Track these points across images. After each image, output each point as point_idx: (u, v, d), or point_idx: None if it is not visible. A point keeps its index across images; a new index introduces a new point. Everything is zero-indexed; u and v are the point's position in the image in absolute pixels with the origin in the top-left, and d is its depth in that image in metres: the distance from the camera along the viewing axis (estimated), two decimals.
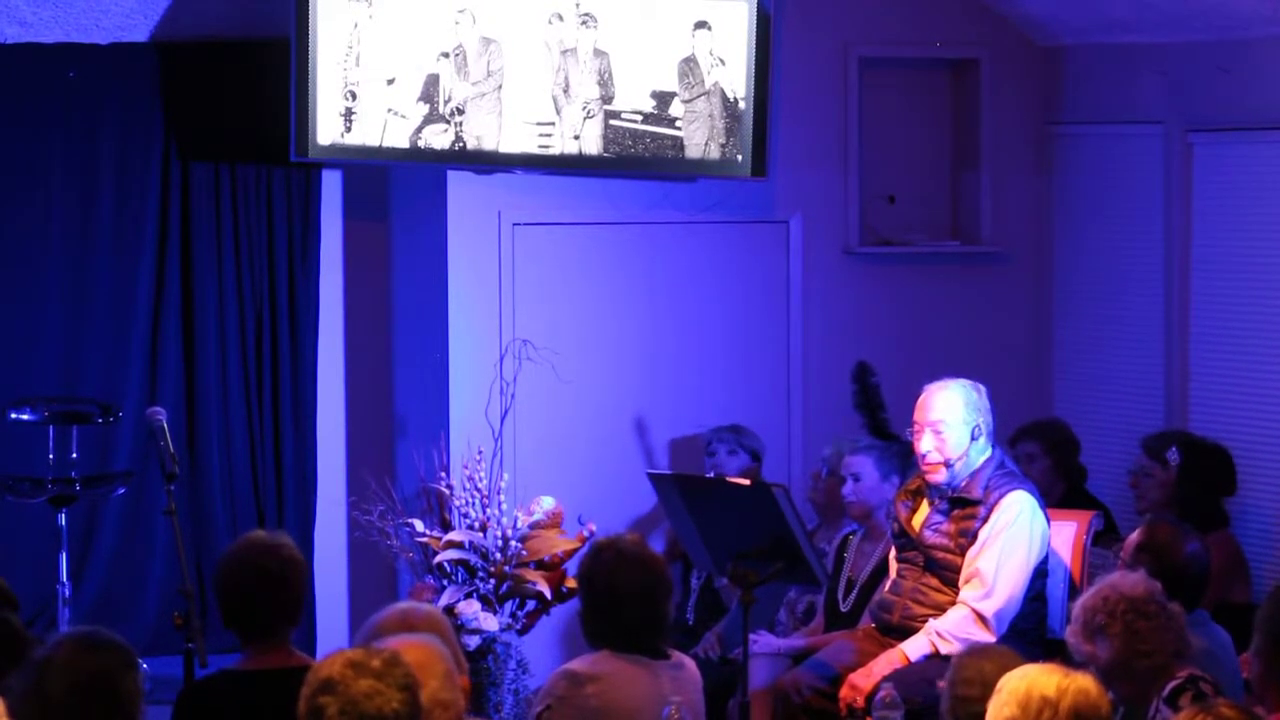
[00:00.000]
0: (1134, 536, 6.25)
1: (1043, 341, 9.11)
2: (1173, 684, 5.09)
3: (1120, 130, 8.70)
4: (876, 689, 6.40)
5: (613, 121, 8.24)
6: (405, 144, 8.22)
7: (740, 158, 8.27)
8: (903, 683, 6.35)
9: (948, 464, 6.75)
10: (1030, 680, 4.18)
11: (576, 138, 8.24)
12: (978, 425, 6.76)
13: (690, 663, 5.62)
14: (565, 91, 8.22)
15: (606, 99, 8.23)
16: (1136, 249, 8.62)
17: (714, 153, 8.28)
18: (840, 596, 7.36)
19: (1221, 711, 4.03)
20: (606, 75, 8.22)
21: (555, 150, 8.24)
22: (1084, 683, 4.18)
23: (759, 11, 8.18)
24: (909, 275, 9.02)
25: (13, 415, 8.54)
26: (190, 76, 8.82)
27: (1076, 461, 8.18)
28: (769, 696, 6.92)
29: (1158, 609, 5.18)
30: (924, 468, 6.81)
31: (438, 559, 7.90)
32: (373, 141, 8.23)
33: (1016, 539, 6.67)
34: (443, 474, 8.15)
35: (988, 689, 4.32)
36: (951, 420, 6.74)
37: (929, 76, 9.16)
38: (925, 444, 6.76)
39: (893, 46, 8.97)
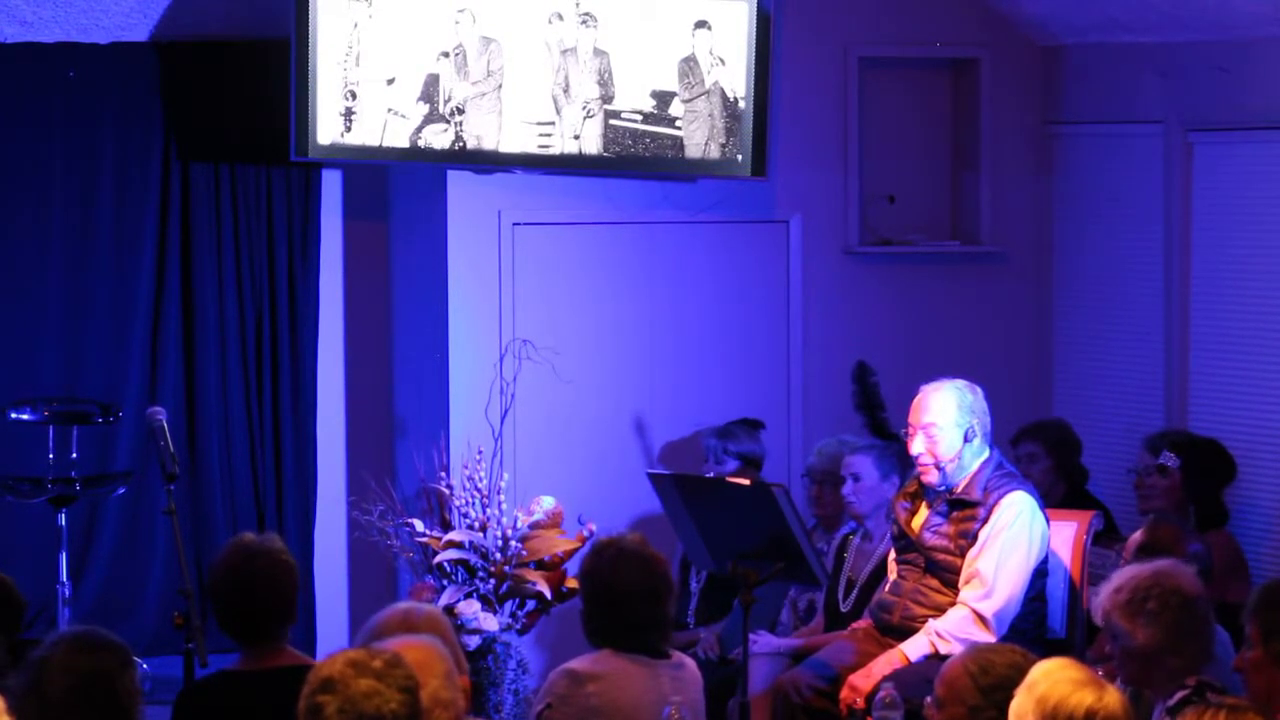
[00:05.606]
0: (1136, 536, 6.24)
1: (1043, 341, 9.11)
2: (1181, 694, 5.04)
3: (1120, 130, 8.70)
4: (876, 689, 6.40)
5: (613, 121, 8.24)
6: (405, 144, 8.22)
7: (740, 158, 8.27)
8: (903, 683, 6.35)
9: (939, 466, 6.75)
10: (1060, 695, 4.11)
11: (576, 137, 8.24)
12: (971, 427, 6.75)
13: (691, 663, 5.62)
14: (565, 91, 8.21)
15: (606, 99, 8.23)
16: (1136, 249, 8.61)
17: (714, 153, 8.28)
18: (840, 596, 7.35)
19: (1227, 702, 4.05)
20: (606, 75, 8.21)
21: (555, 150, 8.23)
22: (1113, 704, 4.12)
23: (759, 11, 8.17)
24: (909, 275, 9.01)
25: (13, 415, 8.54)
26: (190, 76, 8.82)
27: (1078, 462, 8.15)
28: (769, 697, 6.91)
29: (1204, 612, 5.15)
30: (918, 469, 6.83)
31: (438, 559, 7.89)
32: (373, 141, 8.23)
33: (1016, 539, 6.66)
34: (443, 474, 8.14)
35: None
36: (943, 423, 6.73)
37: (929, 76, 9.15)
38: (917, 446, 6.78)
39: (893, 46, 8.97)
